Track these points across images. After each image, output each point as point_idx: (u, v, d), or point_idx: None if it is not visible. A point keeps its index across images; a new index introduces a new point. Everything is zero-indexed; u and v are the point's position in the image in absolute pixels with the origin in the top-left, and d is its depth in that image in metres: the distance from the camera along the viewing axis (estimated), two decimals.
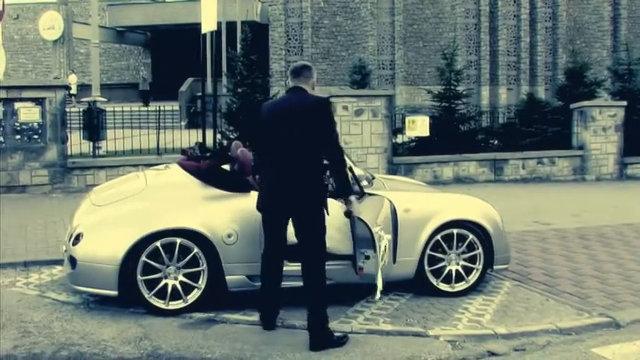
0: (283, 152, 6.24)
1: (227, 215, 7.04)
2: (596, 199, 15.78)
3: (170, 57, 45.48)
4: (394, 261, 7.40)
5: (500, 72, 40.67)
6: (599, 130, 18.97)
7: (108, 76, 48.56)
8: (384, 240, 6.76)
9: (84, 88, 37.44)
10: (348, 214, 6.53)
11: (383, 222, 6.97)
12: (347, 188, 6.45)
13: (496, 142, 19.61)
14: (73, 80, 37.70)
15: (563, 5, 42.16)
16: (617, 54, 38.17)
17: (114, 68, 50.09)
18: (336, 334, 6.39)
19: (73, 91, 36.68)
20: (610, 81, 23.46)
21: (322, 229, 6.36)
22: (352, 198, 6.47)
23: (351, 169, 7.18)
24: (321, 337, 6.25)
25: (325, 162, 6.33)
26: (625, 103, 19.43)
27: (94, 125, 17.65)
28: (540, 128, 18.99)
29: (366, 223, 6.62)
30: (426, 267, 7.73)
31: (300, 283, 6.49)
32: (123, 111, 20.10)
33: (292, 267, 6.80)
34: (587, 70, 20.78)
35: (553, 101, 21.58)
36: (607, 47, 43.23)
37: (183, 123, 28.09)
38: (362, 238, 6.77)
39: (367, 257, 6.81)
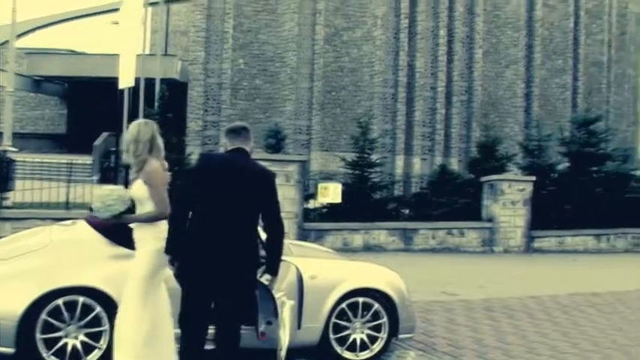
0: (223, 217, 5.89)
1: None
2: (503, 271, 16.02)
3: (87, 110, 44.89)
4: (299, 327, 7.31)
5: (415, 142, 41.20)
6: (508, 203, 19.36)
7: (22, 125, 47.67)
8: (287, 305, 6.69)
9: None
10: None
11: (287, 288, 6.92)
12: (278, 266, 6.17)
13: (407, 211, 19.82)
14: None
15: (479, 80, 43.15)
16: (528, 130, 39.14)
17: (28, 117, 49.21)
18: None
19: None
20: (521, 156, 24.06)
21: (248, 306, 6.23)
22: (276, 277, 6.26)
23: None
24: None
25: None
26: (534, 178, 19.94)
27: (2, 175, 17.20)
28: (451, 199, 19.30)
29: (267, 289, 6.55)
30: (331, 334, 7.65)
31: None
32: (34, 162, 19.72)
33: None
34: (498, 144, 21.33)
35: (465, 173, 22.02)
36: (520, 123, 44.24)
37: (95, 177, 27.64)
38: (264, 304, 6.68)
39: (269, 322, 6.72)
